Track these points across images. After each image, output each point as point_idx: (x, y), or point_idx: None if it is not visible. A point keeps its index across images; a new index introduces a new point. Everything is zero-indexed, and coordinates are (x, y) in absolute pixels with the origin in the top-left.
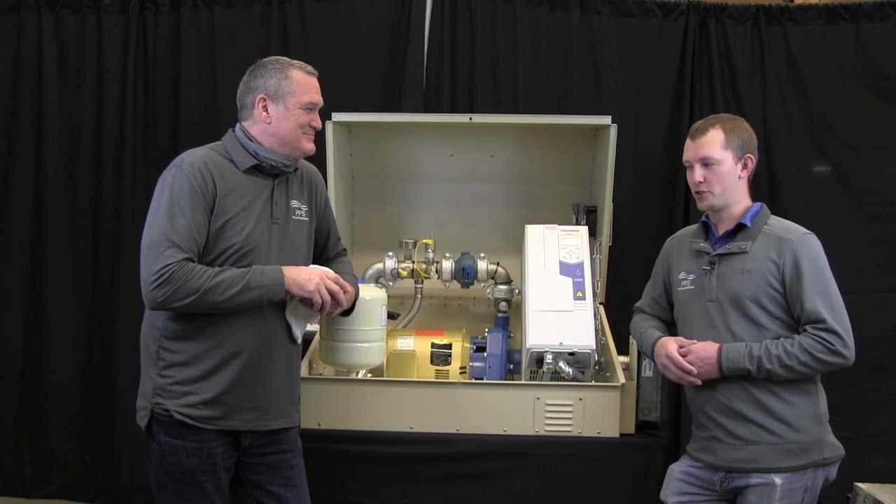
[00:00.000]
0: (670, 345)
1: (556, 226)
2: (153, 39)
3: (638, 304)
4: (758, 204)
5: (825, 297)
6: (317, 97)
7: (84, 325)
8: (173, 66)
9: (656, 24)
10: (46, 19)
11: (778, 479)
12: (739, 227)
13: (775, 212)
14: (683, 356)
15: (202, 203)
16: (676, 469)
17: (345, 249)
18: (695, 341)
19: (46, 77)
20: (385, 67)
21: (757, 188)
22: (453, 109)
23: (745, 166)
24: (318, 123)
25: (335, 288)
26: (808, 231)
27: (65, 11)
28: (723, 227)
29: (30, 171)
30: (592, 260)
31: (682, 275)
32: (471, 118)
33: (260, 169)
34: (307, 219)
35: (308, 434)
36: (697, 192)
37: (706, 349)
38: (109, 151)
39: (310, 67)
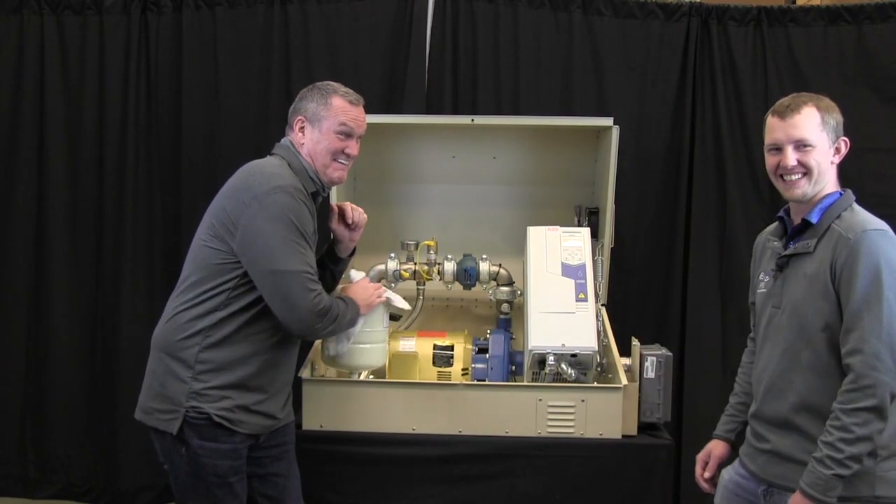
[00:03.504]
0: (698, 467)
1: (557, 227)
2: (155, 41)
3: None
4: (835, 193)
5: (874, 315)
6: (352, 124)
7: (87, 326)
8: (175, 67)
9: (658, 26)
10: (48, 21)
11: None
12: (806, 224)
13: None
14: None
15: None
16: (726, 476)
17: None
18: None
19: (48, 78)
20: (387, 69)
21: (759, 190)
22: (455, 111)
23: (837, 151)
24: (353, 151)
25: (375, 287)
26: (878, 227)
27: (67, 13)
28: (796, 223)
29: (32, 172)
30: (594, 261)
31: (761, 275)
32: (473, 120)
33: (313, 193)
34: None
35: (310, 435)
36: (787, 180)
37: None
38: (111, 153)
39: (355, 96)
